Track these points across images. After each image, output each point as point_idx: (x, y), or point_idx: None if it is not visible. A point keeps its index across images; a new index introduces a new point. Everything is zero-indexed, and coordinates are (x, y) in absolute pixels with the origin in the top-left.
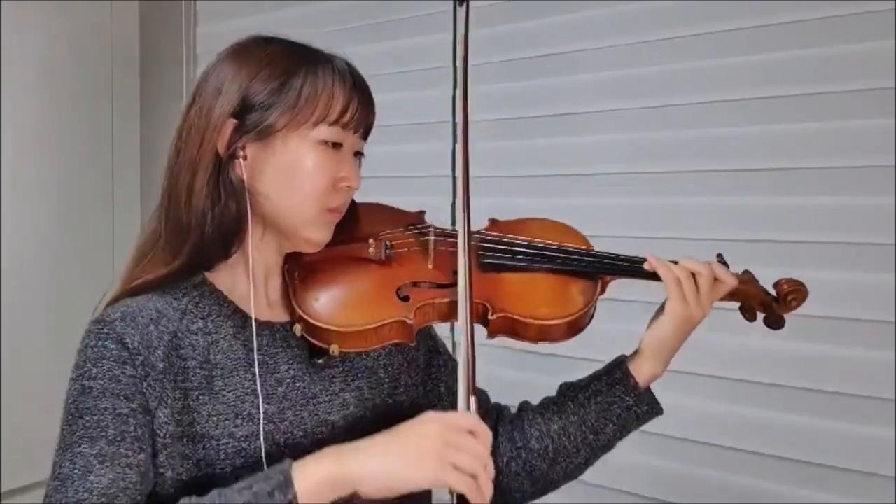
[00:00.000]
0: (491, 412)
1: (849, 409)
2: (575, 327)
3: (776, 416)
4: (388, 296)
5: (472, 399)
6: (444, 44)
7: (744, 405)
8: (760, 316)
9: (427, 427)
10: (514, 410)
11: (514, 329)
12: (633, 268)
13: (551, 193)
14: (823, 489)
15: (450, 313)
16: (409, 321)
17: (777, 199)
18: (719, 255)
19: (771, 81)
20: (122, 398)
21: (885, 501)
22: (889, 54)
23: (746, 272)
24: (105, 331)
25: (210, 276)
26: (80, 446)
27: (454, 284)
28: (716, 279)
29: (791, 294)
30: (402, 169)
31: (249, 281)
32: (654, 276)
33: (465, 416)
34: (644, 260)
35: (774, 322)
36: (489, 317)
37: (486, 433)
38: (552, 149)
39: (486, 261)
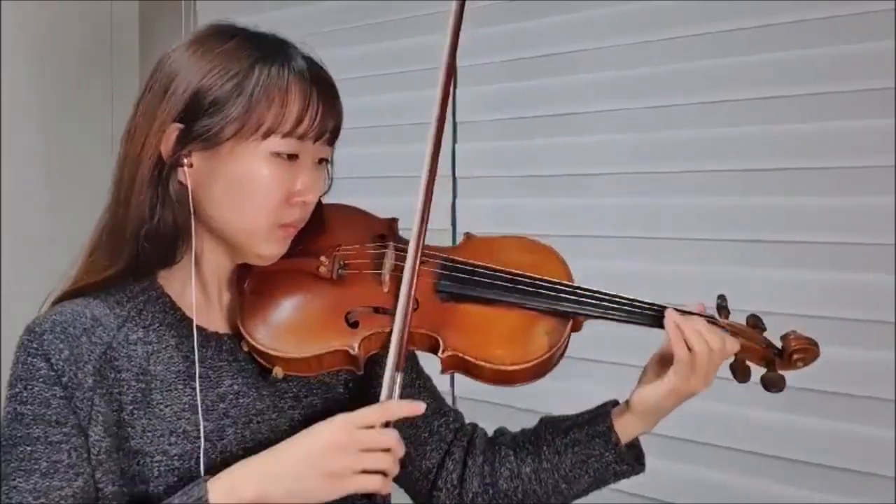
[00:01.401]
0: (461, 437)
1: (849, 409)
2: (537, 372)
3: (776, 416)
4: (336, 321)
5: (398, 375)
6: (443, 44)
7: (744, 405)
8: (757, 372)
9: (335, 438)
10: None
11: (467, 369)
12: (616, 312)
13: (551, 193)
14: (823, 489)
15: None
16: (352, 352)
17: (777, 199)
18: (721, 297)
19: (771, 82)
20: (53, 424)
21: (885, 501)
22: (889, 54)
23: (754, 317)
24: (34, 345)
25: (162, 278)
26: (14, 479)
27: (413, 310)
28: (723, 349)
29: (798, 353)
30: (402, 169)
31: (191, 293)
32: (651, 324)
33: (370, 410)
34: (654, 308)
35: (772, 384)
36: (439, 354)
37: (394, 415)
38: (552, 149)
39: (443, 289)
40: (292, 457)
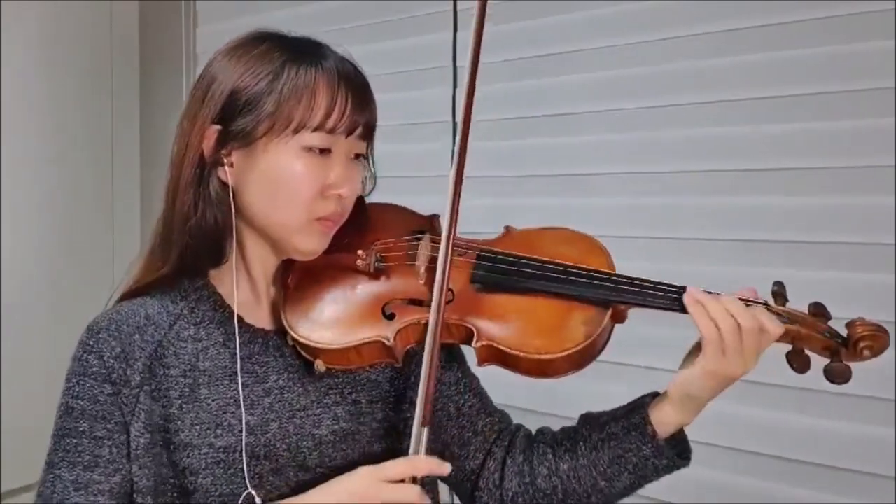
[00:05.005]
0: (503, 437)
1: (849, 409)
2: (574, 362)
3: (776, 416)
4: (373, 313)
5: (425, 430)
6: (444, 44)
7: (743, 405)
8: (822, 361)
9: (357, 484)
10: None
11: (504, 360)
12: (655, 298)
13: (551, 193)
14: (823, 489)
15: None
16: (387, 343)
17: (777, 199)
18: (777, 284)
19: (770, 81)
20: (99, 420)
21: (885, 501)
22: (889, 54)
23: (816, 305)
24: (90, 343)
25: (213, 277)
26: (59, 469)
27: (446, 302)
28: (761, 329)
29: (865, 341)
30: (402, 169)
31: (233, 288)
32: (686, 310)
33: (396, 465)
34: (677, 290)
35: (837, 375)
36: (473, 345)
37: (420, 471)
38: (552, 149)
39: (476, 280)
40: (313, 495)
